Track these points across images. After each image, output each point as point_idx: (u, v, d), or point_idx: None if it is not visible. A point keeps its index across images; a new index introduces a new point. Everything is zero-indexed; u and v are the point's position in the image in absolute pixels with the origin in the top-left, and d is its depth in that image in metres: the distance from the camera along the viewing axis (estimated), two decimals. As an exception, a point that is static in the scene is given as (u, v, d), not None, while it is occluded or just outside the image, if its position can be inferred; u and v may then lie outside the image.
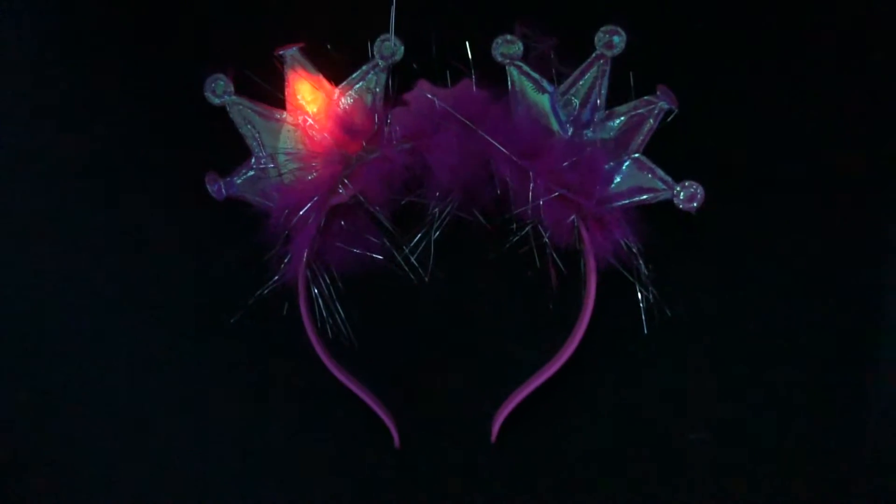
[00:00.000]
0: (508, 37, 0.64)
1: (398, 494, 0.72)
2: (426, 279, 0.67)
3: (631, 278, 0.66)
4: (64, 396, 0.73)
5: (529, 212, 0.64)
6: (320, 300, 0.67)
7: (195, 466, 0.73)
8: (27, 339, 0.73)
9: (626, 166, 0.65)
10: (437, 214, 0.65)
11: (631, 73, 0.64)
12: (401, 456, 0.70)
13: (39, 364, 0.73)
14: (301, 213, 0.64)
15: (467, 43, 0.64)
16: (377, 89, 0.65)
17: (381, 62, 0.64)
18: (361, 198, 0.65)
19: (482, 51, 0.64)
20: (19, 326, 0.73)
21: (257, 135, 0.66)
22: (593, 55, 0.64)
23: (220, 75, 0.65)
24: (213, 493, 0.73)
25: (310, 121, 0.65)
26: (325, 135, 0.65)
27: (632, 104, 0.64)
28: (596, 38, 0.63)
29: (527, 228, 0.65)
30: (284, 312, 0.67)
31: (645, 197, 0.65)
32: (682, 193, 0.64)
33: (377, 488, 0.72)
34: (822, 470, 0.70)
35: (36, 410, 0.73)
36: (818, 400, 0.70)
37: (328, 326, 0.68)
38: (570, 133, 0.65)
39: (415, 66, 0.65)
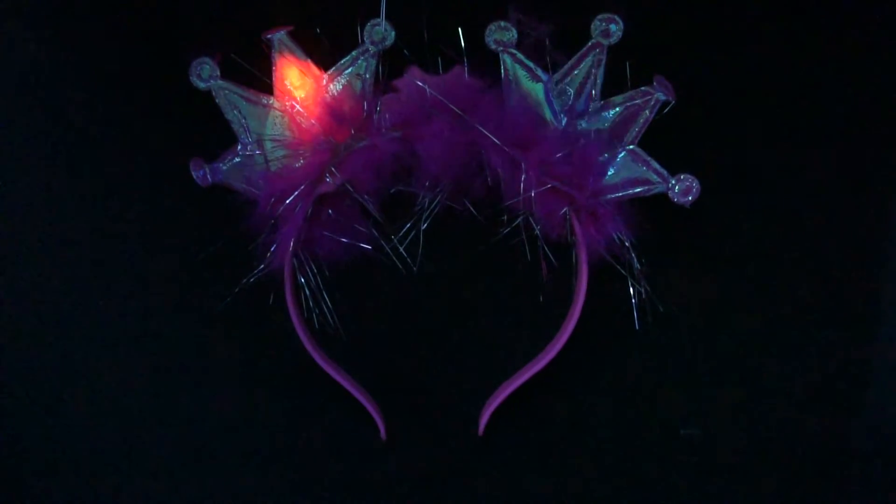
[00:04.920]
0: (502, 23, 0.62)
1: (384, 485, 0.71)
2: (415, 270, 0.66)
3: (623, 272, 0.65)
4: (46, 386, 0.72)
5: (521, 203, 0.63)
6: (307, 289, 0.66)
7: (178, 454, 0.72)
8: (7, 330, 0.72)
9: (621, 158, 0.64)
10: (426, 204, 0.64)
11: (627, 63, 0.63)
12: (387, 447, 0.70)
13: (21, 354, 0.72)
14: (288, 201, 0.63)
15: (460, 29, 0.63)
16: (367, 75, 0.64)
17: (371, 47, 0.63)
18: (349, 186, 0.64)
19: (475, 37, 0.63)
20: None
21: (244, 120, 0.65)
22: (589, 43, 0.62)
23: (206, 59, 0.64)
24: (195, 480, 0.72)
25: (297, 107, 0.64)
26: (313, 121, 0.64)
27: (628, 94, 0.63)
28: (592, 27, 0.62)
29: (518, 220, 0.64)
30: (270, 301, 0.66)
31: (639, 189, 0.64)
32: (677, 187, 0.63)
33: (362, 479, 0.71)
34: (816, 466, 0.70)
35: (17, 403, 0.73)
36: (812, 396, 0.69)
37: (314, 316, 0.67)
38: (563, 123, 0.63)
39: (406, 52, 0.63)
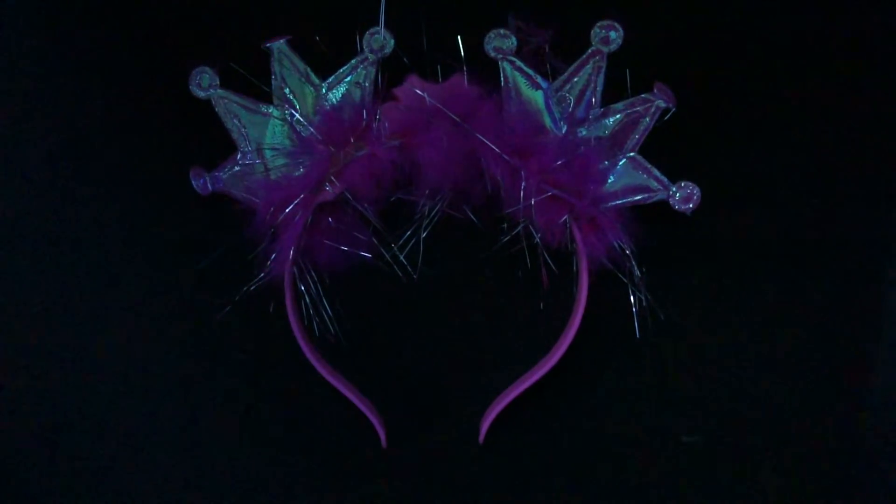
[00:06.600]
0: (502, 31, 0.62)
1: (384, 494, 0.71)
2: (415, 278, 0.66)
3: (624, 280, 0.64)
4: (45, 393, 0.72)
5: (521, 211, 0.63)
6: (307, 297, 0.66)
7: (179, 463, 0.72)
8: (5, 337, 0.72)
9: (621, 165, 0.64)
10: (426, 212, 0.64)
11: (627, 70, 0.62)
12: (387, 455, 0.70)
13: (17, 361, 0.73)
14: (287, 210, 0.63)
15: (459, 37, 0.63)
16: (366, 84, 0.63)
17: (370, 56, 0.63)
18: (349, 195, 0.64)
19: (474, 45, 0.62)
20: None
21: (243, 129, 0.65)
22: (589, 51, 0.62)
23: (206, 68, 0.64)
24: (193, 487, 0.72)
25: (297, 116, 0.64)
26: (313, 130, 0.64)
27: (628, 102, 0.63)
28: (592, 34, 0.62)
29: (518, 228, 0.64)
30: (271, 310, 0.66)
31: (639, 197, 0.64)
32: (677, 194, 0.63)
33: (363, 488, 0.71)
34: (816, 474, 0.69)
35: (16, 410, 0.73)
36: (813, 404, 0.69)
37: (315, 324, 0.67)
38: (563, 131, 0.63)
39: (405, 60, 0.63)
